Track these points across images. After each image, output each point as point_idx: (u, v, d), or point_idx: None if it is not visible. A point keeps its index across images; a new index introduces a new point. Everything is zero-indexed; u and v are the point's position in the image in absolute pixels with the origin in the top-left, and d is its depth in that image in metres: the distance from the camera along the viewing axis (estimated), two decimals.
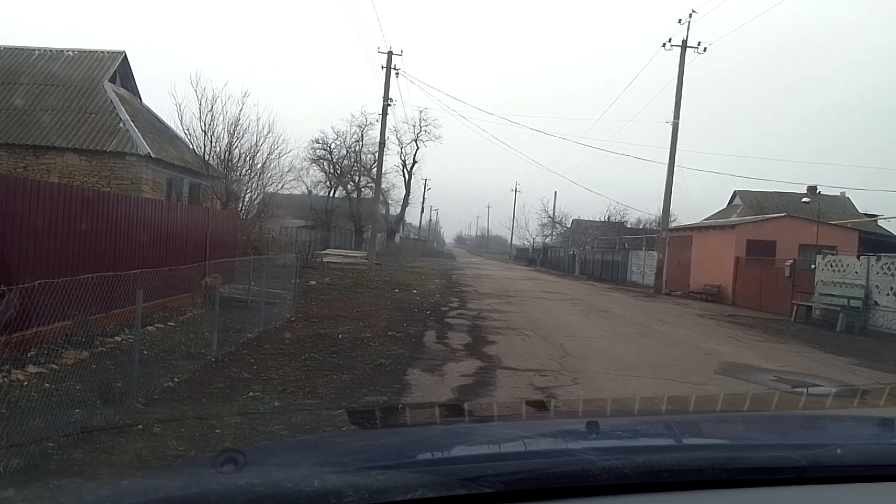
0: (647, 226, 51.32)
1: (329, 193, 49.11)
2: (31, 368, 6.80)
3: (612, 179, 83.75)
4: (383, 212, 51.56)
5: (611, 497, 1.36)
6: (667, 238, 30.99)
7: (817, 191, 38.20)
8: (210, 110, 20.80)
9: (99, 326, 7.56)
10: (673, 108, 29.66)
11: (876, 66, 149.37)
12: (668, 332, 14.88)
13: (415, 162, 55.36)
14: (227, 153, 21.36)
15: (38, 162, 18.86)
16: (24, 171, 17.95)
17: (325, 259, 30.96)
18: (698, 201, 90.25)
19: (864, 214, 39.83)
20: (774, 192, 41.61)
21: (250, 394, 6.74)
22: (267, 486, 1.26)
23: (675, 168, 29.89)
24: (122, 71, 22.27)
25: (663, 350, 11.81)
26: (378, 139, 34.96)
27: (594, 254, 49.16)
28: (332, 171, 48.59)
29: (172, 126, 22.45)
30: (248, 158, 21.76)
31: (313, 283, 19.78)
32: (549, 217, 70.54)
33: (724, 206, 46.51)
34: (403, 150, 54.25)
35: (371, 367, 8.40)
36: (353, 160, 48.91)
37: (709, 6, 79.47)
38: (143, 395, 6.18)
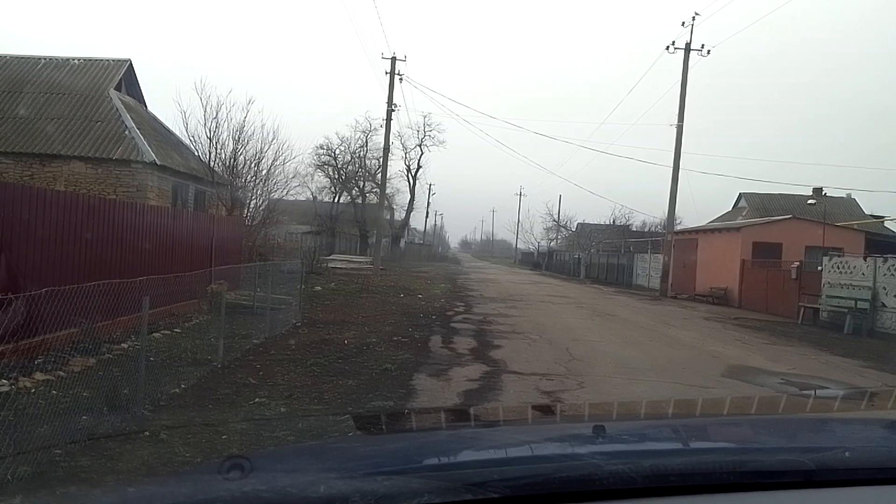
0: (652, 229, 51.32)
1: (334, 199, 49.23)
2: (39, 376, 6.82)
3: (617, 183, 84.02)
4: (388, 217, 51.65)
5: (618, 501, 1.35)
6: (672, 241, 30.93)
7: (823, 192, 38.12)
8: (215, 117, 20.93)
9: (105, 333, 7.57)
10: (677, 111, 29.69)
11: (881, 66, 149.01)
12: (674, 335, 14.84)
13: (419, 167, 55.66)
14: (232, 160, 21.47)
15: (44, 170, 18.96)
16: (30, 179, 18.05)
17: (330, 265, 31.01)
18: (703, 204, 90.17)
19: (871, 216, 39.67)
20: (780, 194, 41.53)
21: (256, 400, 6.75)
22: (273, 493, 1.26)
23: (680, 171, 29.90)
24: (127, 79, 22.39)
25: (669, 353, 11.77)
26: (382, 144, 35.09)
27: (599, 257, 49.15)
28: (336, 176, 48.77)
29: (177, 133, 22.58)
30: (253, 165, 21.88)
31: (319, 288, 19.80)
32: (554, 221, 70.72)
33: (730, 209, 46.43)
34: (408, 156, 54.55)
35: (377, 373, 8.40)
36: (357, 166, 49.12)
37: (712, 9, 79.67)
38: (149, 401, 6.19)
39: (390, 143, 35.13)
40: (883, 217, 38.62)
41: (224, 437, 5.45)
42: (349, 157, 48.66)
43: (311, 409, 6.56)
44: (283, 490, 1.27)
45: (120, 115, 20.09)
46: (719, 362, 10.94)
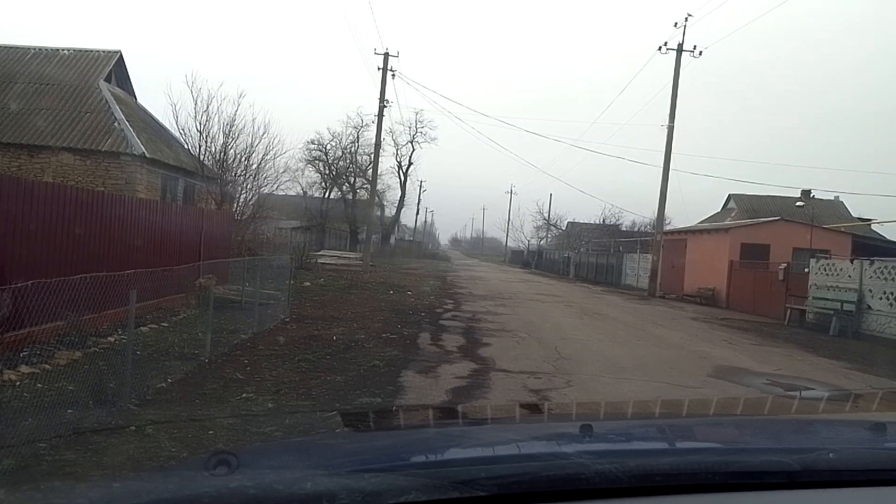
0: (642, 229, 51.51)
1: (324, 195, 49.11)
2: (24, 368, 6.77)
3: (608, 182, 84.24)
4: (378, 213, 51.57)
5: (604, 500, 1.36)
6: (661, 241, 31.07)
7: (811, 195, 38.40)
8: (206, 110, 20.78)
9: (92, 327, 7.53)
10: (668, 112, 29.81)
11: (870, 71, 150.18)
12: (661, 335, 14.91)
13: (410, 163, 55.64)
14: (222, 154, 21.33)
15: (32, 161, 18.79)
16: (17, 170, 17.88)
17: (319, 260, 30.93)
18: (693, 205, 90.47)
19: (858, 218, 40.02)
20: (769, 196, 41.81)
21: (243, 395, 6.73)
22: (259, 489, 1.26)
23: (670, 171, 30.03)
24: (117, 71, 22.21)
25: (657, 353, 11.83)
26: (374, 140, 35.02)
27: (589, 256, 49.26)
28: (327, 172, 48.64)
29: (168, 126, 22.42)
30: (243, 159, 21.75)
31: (308, 284, 19.75)
32: (544, 219, 70.88)
33: (719, 210, 46.70)
34: (399, 152, 54.49)
35: (365, 369, 8.40)
36: (348, 161, 49.01)
37: (705, 10, 79.97)
38: (135, 395, 6.16)
39: (382, 140, 35.10)
40: (870, 220, 38.97)
41: (210, 432, 5.43)
42: (340, 153, 48.60)
43: (299, 405, 6.55)
44: (270, 486, 1.27)
45: (109, 107, 19.93)
46: (706, 362, 11.01)
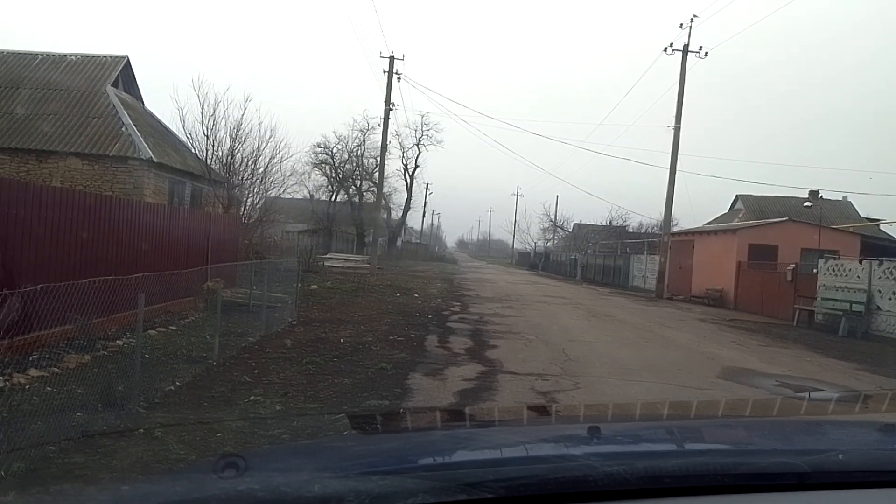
0: (649, 230, 51.35)
1: (331, 198, 49.19)
2: (33, 372, 6.80)
3: (614, 184, 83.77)
4: (385, 216, 51.65)
5: (612, 503, 1.36)
6: (668, 242, 30.97)
7: (819, 195, 38.17)
8: (212, 114, 20.85)
9: (100, 330, 7.55)
10: (674, 113, 29.73)
11: (878, 69, 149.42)
12: (669, 336, 14.86)
13: (416, 166, 55.67)
14: (229, 157, 21.41)
15: (40, 166, 18.89)
16: (26, 175, 17.97)
17: (326, 263, 30.98)
18: (700, 205, 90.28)
19: (866, 219, 39.78)
20: (776, 197, 41.61)
21: (251, 398, 6.74)
22: (267, 492, 1.26)
23: (677, 172, 29.92)
24: (124, 75, 22.33)
25: (665, 355, 11.79)
26: (380, 143, 35.10)
27: (596, 258, 49.19)
28: (333, 175, 48.73)
29: (175, 130, 22.51)
30: (250, 163, 21.82)
31: (315, 287, 19.77)
32: (551, 221, 70.84)
33: (726, 211, 46.49)
34: (405, 155, 54.52)
35: (372, 372, 8.40)
36: (354, 164, 49.09)
37: (710, 11, 79.86)
38: (144, 398, 6.18)
39: (388, 143, 35.17)
40: (878, 220, 38.73)
41: (219, 435, 5.44)
42: (346, 156, 48.70)
43: (307, 407, 6.56)
44: (278, 489, 1.27)
45: (117, 112, 20.03)
46: (714, 364, 10.96)
